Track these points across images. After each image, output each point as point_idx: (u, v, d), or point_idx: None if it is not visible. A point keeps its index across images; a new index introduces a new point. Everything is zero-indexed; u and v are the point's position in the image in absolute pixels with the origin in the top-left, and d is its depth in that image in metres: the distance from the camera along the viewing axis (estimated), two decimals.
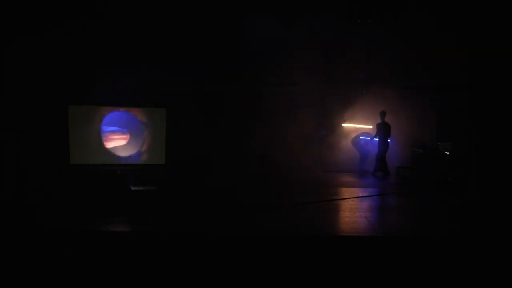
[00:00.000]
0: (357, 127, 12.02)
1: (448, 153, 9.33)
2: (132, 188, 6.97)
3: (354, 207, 7.38)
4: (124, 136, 8.72)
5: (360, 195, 8.47)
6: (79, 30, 8.96)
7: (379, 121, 11.00)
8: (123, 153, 8.79)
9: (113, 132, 8.65)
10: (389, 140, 11.34)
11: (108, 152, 8.72)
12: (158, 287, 4.71)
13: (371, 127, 11.86)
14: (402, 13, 10.51)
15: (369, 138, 11.40)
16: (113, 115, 8.76)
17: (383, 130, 10.93)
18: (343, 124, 12.11)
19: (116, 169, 8.64)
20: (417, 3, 10.37)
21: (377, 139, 11.06)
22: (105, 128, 8.61)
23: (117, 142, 8.71)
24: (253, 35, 10.31)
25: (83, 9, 8.97)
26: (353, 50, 11.29)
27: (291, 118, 11.04)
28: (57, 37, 8.88)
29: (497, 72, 10.15)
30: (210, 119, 10.20)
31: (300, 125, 11.26)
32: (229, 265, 4.81)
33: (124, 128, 8.77)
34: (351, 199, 8.14)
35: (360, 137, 11.99)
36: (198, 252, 4.97)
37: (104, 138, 8.64)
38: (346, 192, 8.98)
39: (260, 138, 10.67)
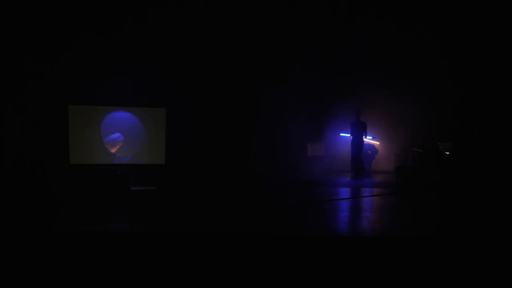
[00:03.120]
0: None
1: (448, 153, 9.33)
2: (132, 188, 6.98)
3: (354, 207, 7.39)
4: (122, 143, 8.77)
5: (360, 195, 8.48)
6: (79, 30, 8.96)
7: (354, 119, 10.98)
8: (123, 153, 8.80)
9: (113, 139, 8.69)
10: (371, 138, 11.40)
11: (108, 152, 8.73)
12: (158, 287, 4.71)
13: (370, 137, 11.91)
14: (403, 12, 10.51)
15: (348, 135, 11.41)
16: (113, 115, 8.77)
17: (357, 129, 10.92)
18: (341, 134, 12.16)
19: (116, 169, 8.65)
20: (418, 3, 10.37)
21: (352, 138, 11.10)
22: (107, 138, 8.64)
23: (118, 147, 8.78)
24: (253, 34, 10.33)
25: (83, 9, 8.98)
26: (353, 50, 11.30)
27: (290, 118, 11.04)
28: (56, 37, 8.89)
29: (496, 72, 10.19)
30: (209, 119, 10.20)
31: (300, 125, 11.26)
32: (229, 265, 4.82)
33: (123, 129, 8.78)
34: (351, 199, 8.15)
35: (340, 134, 12.06)
36: (198, 252, 4.97)
37: (107, 145, 8.69)
38: (346, 192, 8.99)
39: (260, 138, 10.68)
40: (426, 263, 4.87)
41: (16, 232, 5.22)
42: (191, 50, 9.97)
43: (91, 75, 9.03)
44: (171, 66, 9.81)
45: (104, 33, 9.18)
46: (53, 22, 8.82)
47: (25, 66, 8.60)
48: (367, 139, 11.71)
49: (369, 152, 12.17)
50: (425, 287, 4.71)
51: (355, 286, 4.71)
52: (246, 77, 10.59)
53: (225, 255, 4.93)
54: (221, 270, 4.77)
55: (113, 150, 8.72)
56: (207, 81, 10.18)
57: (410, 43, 10.89)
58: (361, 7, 10.67)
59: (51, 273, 4.69)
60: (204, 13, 9.79)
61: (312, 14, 10.48)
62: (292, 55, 10.83)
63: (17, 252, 4.91)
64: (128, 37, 9.40)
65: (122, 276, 4.73)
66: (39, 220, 5.85)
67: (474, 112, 10.48)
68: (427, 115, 11.25)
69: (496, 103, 10.13)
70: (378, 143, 12.38)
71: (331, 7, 10.53)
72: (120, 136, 8.67)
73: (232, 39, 10.26)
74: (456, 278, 4.75)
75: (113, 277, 4.71)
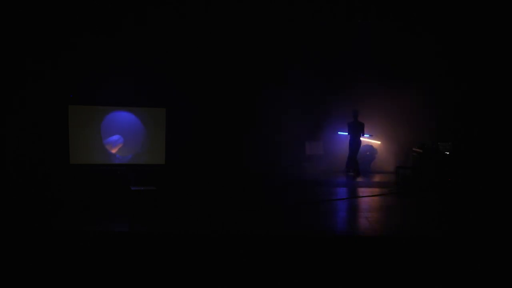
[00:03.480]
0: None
1: (448, 153, 9.33)
2: (132, 188, 6.97)
3: (354, 207, 7.39)
4: (122, 144, 8.78)
5: (360, 195, 8.47)
6: (79, 30, 8.97)
7: (351, 119, 10.98)
8: (123, 154, 8.80)
9: (114, 141, 8.70)
10: (367, 136, 11.43)
11: (108, 152, 8.73)
12: (158, 287, 4.71)
13: (368, 136, 11.89)
14: (403, 12, 10.51)
15: (346, 133, 11.39)
16: (113, 115, 8.77)
17: (355, 129, 10.92)
18: (339, 133, 12.13)
19: (116, 169, 8.65)
20: (418, 3, 10.37)
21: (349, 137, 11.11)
22: (107, 140, 8.65)
23: (118, 148, 8.79)
24: (253, 34, 10.33)
25: (83, 9, 8.98)
26: (353, 50, 11.30)
27: (290, 117, 11.04)
28: (56, 37, 8.89)
29: (496, 72, 10.19)
30: (209, 119, 10.20)
31: (300, 125, 11.26)
32: (229, 266, 4.82)
33: (123, 129, 8.77)
34: (351, 199, 8.15)
35: (338, 132, 12.07)
36: (198, 252, 4.97)
37: (107, 146, 8.70)
38: (346, 192, 8.98)
39: (259, 138, 10.68)
40: (426, 263, 4.87)
41: (16, 232, 5.22)
42: (191, 50, 9.97)
43: (91, 75, 9.03)
44: (171, 66, 9.81)
45: (104, 33, 9.18)
46: (53, 22, 8.82)
47: (25, 66, 8.60)
48: (365, 138, 11.71)
49: (368, 153, 12.15)
50: (425, 287, 4.71)
51: (355, 286, 4.71)
52: (246, 77, 10.59)
53: (225, 255, 4.93)
54: (221, 270, 4.76)
55: (113, 151, 8.72)
56: (207, 81, 10.18)
57: (410, 43, 10.88)
58: (361, 7, 10.67)
59: (51, 273, 4.69)
60: (204, 13, 9.80)
61: (312, 14, 10.48)
62: (292, 55, 10.83)
63: (17, 252, 4.91)
64: (128, 37, 9.40)
65: (122, 276, 4.73)
66: (39, 220, 5.84)
67: (474, 112, 10.47)
68: (427, 115, 11.24)
69: (496, 103, 10.13)
70: (379, 142, 12.37)
71: (331, 7, 10.53)
72: (120, 138, 8.67)
73: (232, 39, 10.26)
74: (456, 278, 4.75)
75: (113, 277, 4.71)
